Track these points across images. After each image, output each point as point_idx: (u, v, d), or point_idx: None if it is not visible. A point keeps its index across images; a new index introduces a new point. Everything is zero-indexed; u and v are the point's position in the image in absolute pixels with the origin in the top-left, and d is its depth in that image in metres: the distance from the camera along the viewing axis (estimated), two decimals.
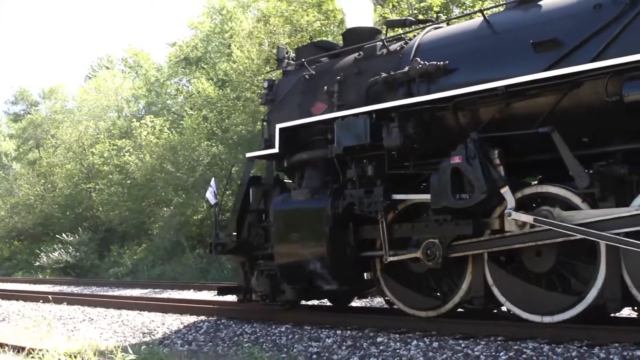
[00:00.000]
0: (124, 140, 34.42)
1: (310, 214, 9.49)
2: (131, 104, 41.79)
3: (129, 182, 31.74)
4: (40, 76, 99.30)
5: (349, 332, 8.79)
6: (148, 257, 27.90)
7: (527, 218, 7.68)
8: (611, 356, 6.47)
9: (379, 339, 8.22)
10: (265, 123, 11.09)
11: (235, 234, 10.72)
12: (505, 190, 7.79)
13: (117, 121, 39.91)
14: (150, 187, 29.80)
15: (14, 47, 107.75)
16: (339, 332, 8.85)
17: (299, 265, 9.56)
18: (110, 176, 33.53)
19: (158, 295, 17.05)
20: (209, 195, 11.31)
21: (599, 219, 7.27)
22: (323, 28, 22.99)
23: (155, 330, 10.57)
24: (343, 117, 9.11)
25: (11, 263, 38.45)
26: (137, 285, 21.11)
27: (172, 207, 27.99)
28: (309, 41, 11.19)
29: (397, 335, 8.27)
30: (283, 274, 9.89)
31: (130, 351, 7.25)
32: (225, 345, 9.25)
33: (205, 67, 35.56)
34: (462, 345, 7.50)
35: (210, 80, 32.66)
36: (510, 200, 7.79)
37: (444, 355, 7.34)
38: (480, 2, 18.26)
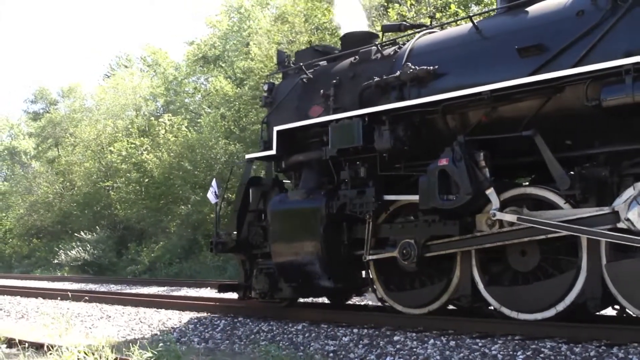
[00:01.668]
0: (142, 138, 34.56)
1: (305, 213, 9.78)
2: (149, 103, 41.91)
3: (146, 180, 31.84)
4: (59, 75, 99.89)
5: (365, 330, 8.78)
6: (165, 255, 27.99)
7: (511, 217, 7.91)
8: (630, 356, 6.42)
9: (395, 338, 8.19)
10: (264, 125, 11.40)
11: (235, 233, 11.00)
12: (490, 192, 8.01)
13: (135, 120, 40.07)
14: (168, 185, 29.89)
15: (34, 47, 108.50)
16: (355, 330, 8.83)
17: (295, 263, 9.81)
18: (128, 174, 33.67)
19: (175, 293, 17.10)
20: (210, 195, 11.69)
21: (567, 217, 7.54)
22: (340, 27, 22.95)
23: (172, 327, 10.60)
24: (337, 120, 9.39)
25: (30, 260, 38.77)
26: (154, 283, 21.19)
27: (189, 205, 28.07)
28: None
29: (414, 334, 8.24)
30: (280, 272, 10.18)
31: (148, 348, 7.27)
32: (242, 343, 9.26)
33: (223, 65, 35.60)
34: (480, 344, 7.46)
35: (228, 79, 32.70)
36: (495, 201, 8.01)
37: (461, 354, 7.30)
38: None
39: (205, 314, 11.36)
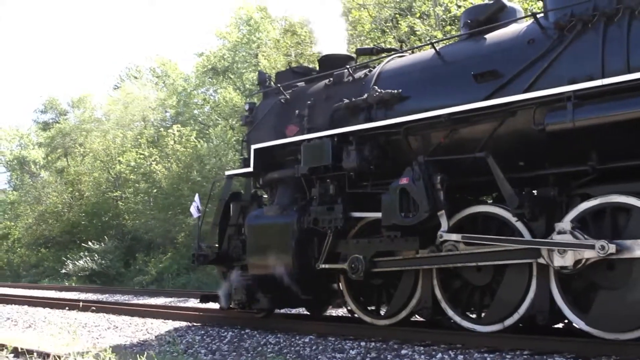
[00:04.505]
0: (151, 149, 34.63)
1: (279, 228, 10.27)
2: (159, 113, 41.99)
3: (155, 190, 31.89)
4: (69, 85, 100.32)
5: (373, 343, 8.78)
6: (173, 266, 27.98)
7: (456, 237, 8.41)
8: None
9: (403, 351, 8.17)
10: (244, 143, 11.96)
11: (217, 245, 11.62)
12: (441, 214, 8.44)
13: (144, 130, 40.18)
14: (177, 196, 29.93)
15: (44, 57, 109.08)
16: (363, 343, 8.83)
17: (270, 275, 10.20)
18: (137, 185, 33.71)
19: (182, 304, 17.08)
20: (193, 209, 12.30)
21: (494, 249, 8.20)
22: (351, 38, 23.02)
23: (179, 339, 10.59)
24: (309, 140, 9.91)
25: (38, 270, 38.80)
26: (162, 293, 21.16)
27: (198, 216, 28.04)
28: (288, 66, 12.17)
29: (422, 348, 8.22)
30: (257, 284, 10.63)
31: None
32: (249, 355, 9.23)
33: (232, 77, 35.70)
34: (488, 358, 7.43)
35: (237, 90, 32.79)
36: (444, 224, 8.45)
37: None
38: None
39: (212, 326, 11.35)
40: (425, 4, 21.78)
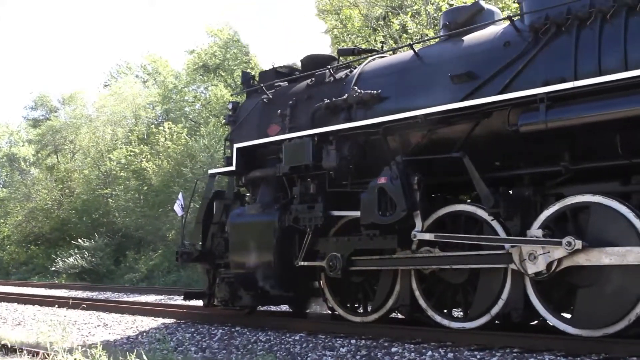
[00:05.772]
0: (141, 146, 34.55)
1: (260, 226, 10.39)
2: (149, 111, 41.90)
3: (145, 188, 31.80)
4: (60, 82, 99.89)
5: (363, 341, 8.79)
6: (163, 263, 27.95)
7: (429, 236, 8.58)
8: None
9: (393, 349, 8.18)
10: (227, 142, 12.11)
11: (200, 243, 11.72)
12: (416, 213, 8.60)
13: (134, 128, 40.05)
14: (167, 193, 29.88)
15: (35, 53, 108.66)
16: (353, 341, 8.83)
17: (251, 273, 10.41)
18: (127, 182, 33.62)
19: (173, 302, 17.06)
20: (177, 207, 12.50)
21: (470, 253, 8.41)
22: (341, 36, 23.05)
23: (169, 336, 10.57)
24: (290, 139, 10.02)
25: (27, 267, 38.71)
26: (152, 291, 21.16)
27: (188, 214, 27.99)
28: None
29: (412, 346, 8.24)
30: (239, 281, 10.78)
31: (145, 357, 7.24)
32: (239, 352, 9.23)
33: (223, 74, 35.64)
34: (478, 356, 7.46)
35: (228, 87, 32.75)
36: (418, 224, 8.61)
37: None
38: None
39: (202, 323, 11.34)
40: (416, 3, 21.79)
